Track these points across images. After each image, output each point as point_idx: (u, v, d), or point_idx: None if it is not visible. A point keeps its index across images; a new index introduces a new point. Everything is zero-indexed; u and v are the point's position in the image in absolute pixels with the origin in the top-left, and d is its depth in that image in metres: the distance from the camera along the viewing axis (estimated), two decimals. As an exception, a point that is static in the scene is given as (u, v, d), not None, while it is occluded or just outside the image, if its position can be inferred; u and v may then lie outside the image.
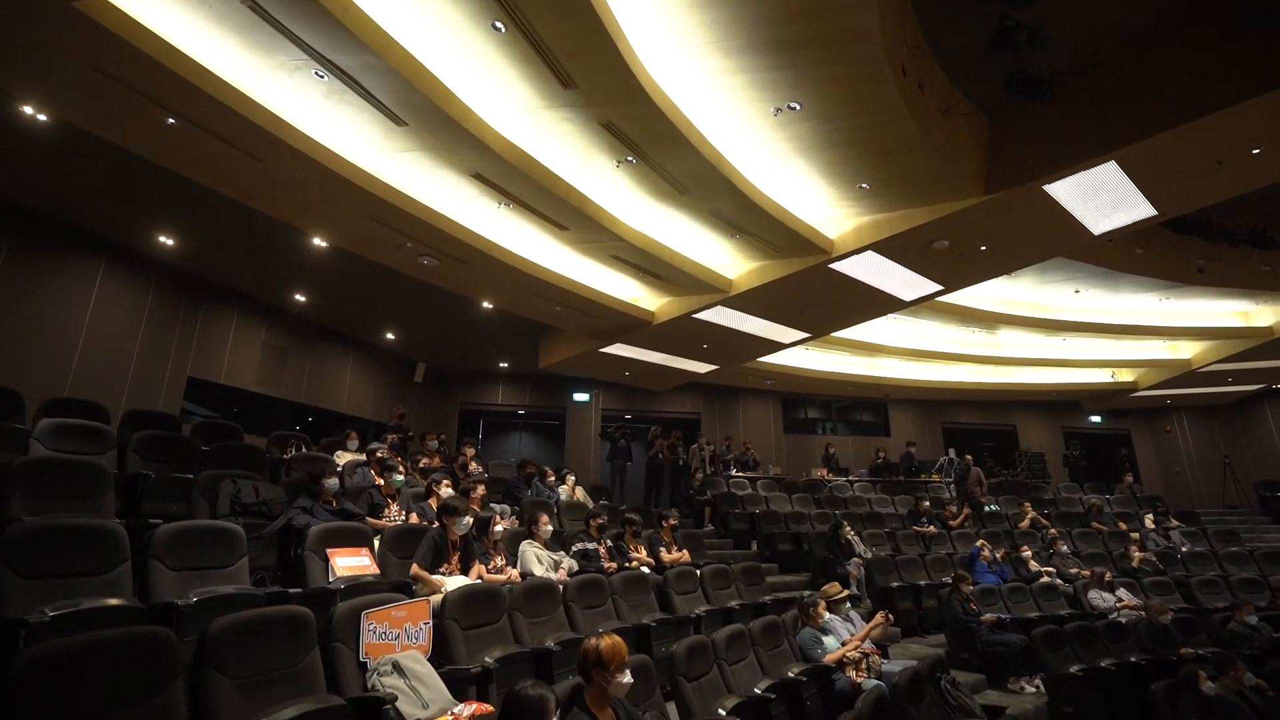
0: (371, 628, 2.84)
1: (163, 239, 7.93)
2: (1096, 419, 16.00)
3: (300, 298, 9.86)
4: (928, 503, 9.92)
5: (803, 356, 12.07)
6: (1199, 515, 11.83)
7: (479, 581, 4.03)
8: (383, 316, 10.84)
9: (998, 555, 8.06)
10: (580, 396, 13.87)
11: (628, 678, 2.55)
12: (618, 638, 2.61)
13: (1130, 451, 15.39)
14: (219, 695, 2.20)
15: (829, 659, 4.52)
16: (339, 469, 5.55)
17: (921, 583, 7.76)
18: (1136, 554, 8.98)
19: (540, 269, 7.35)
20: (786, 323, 8.89)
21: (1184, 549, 9.57)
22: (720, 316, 8.50)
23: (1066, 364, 12.74)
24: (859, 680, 4.51)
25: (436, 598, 3.51)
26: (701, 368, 11.15)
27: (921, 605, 7.54)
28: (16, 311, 6.98)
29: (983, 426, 15.52)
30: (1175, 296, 10.18)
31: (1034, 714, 5.67)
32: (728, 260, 7.70)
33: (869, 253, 6.82)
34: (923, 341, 11.70)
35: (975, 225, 6.37)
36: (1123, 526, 10.31)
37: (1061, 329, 11.06)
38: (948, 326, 11.29)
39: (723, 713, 3.49)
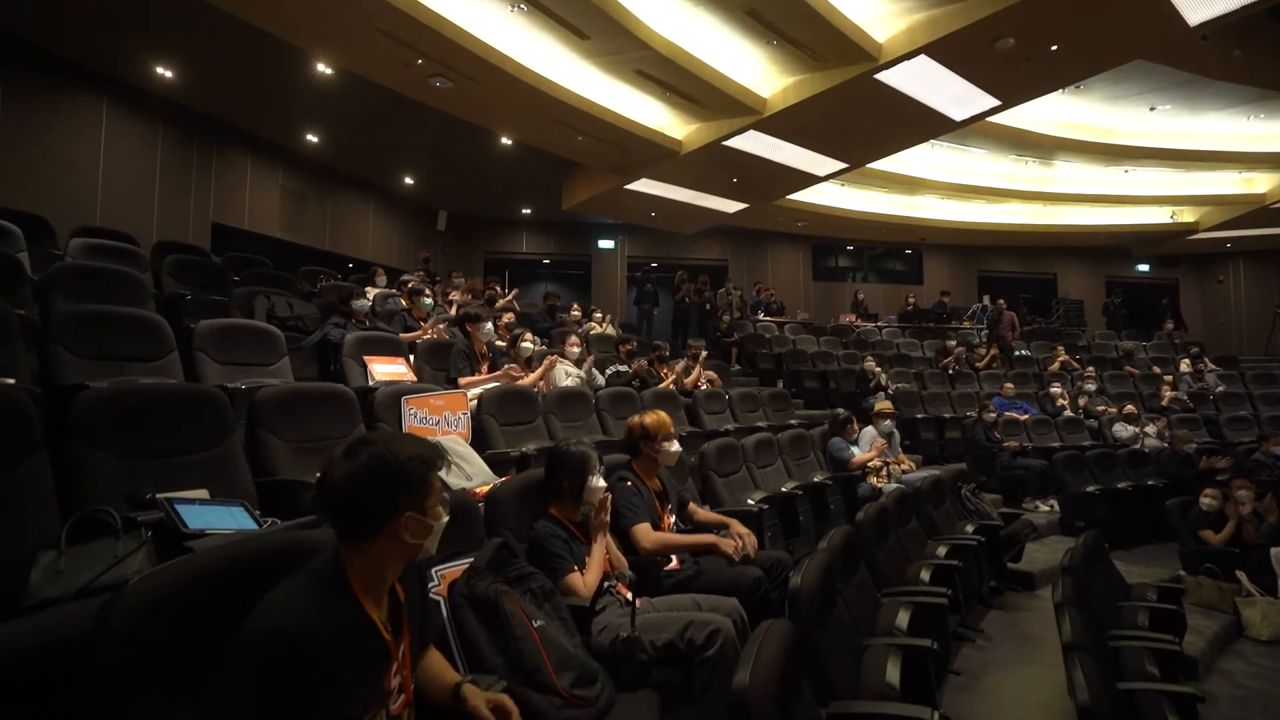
0: (412, 412, 2.93)
1: (160, 70, 7.53)
2: (1144, 267, 15.31)
3: (313, 138, 9.49)
4: (954, 343, 9.84)
5: (836, 194, 11.45)
6: (1239, 361, 11.57)
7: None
8: (400, 158, 10.45)
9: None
10: (605, 243, 13.62)
11: (675, 446, 2.62)
12: (662, 412, 2.66)
13: (1174, 301, 14.85)
14: (274, 452, 2.31)
15: (855, 460, 4.66)
16: (369, 299, 5.60)
17: (946, 415, 7.89)
18: (1167, 393, 8.93)
19: (560, 89, 6.83)
20: (823, 150, 8.30)
21: (1218, 389, 9.47)
22: (752, 143, 7.96)
23: (1122, 201, 11.91)
24: (880, 485, 4.69)
25: (473, 401, 3.61)
26: (730, 206, 10.70)
27: (944, 436, 7.72)
28: (32, 147, 6.85)
29: (1021, 275, 14.99)
30: (1266, 115, 9.14)
31: (1046, 527, 5.93)
32: (762, 75, 7.04)
33: (921, 58, 6.12)
34: (967, 175, 10.91)
35: (1049, 16, 5.59)
36: (1156, 370, 10.18)
37: (1126, 157, 10.12)
38: (997, 157, 10.47)
39: (751, 502, 3.66)
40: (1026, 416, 7.56)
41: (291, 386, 2.47)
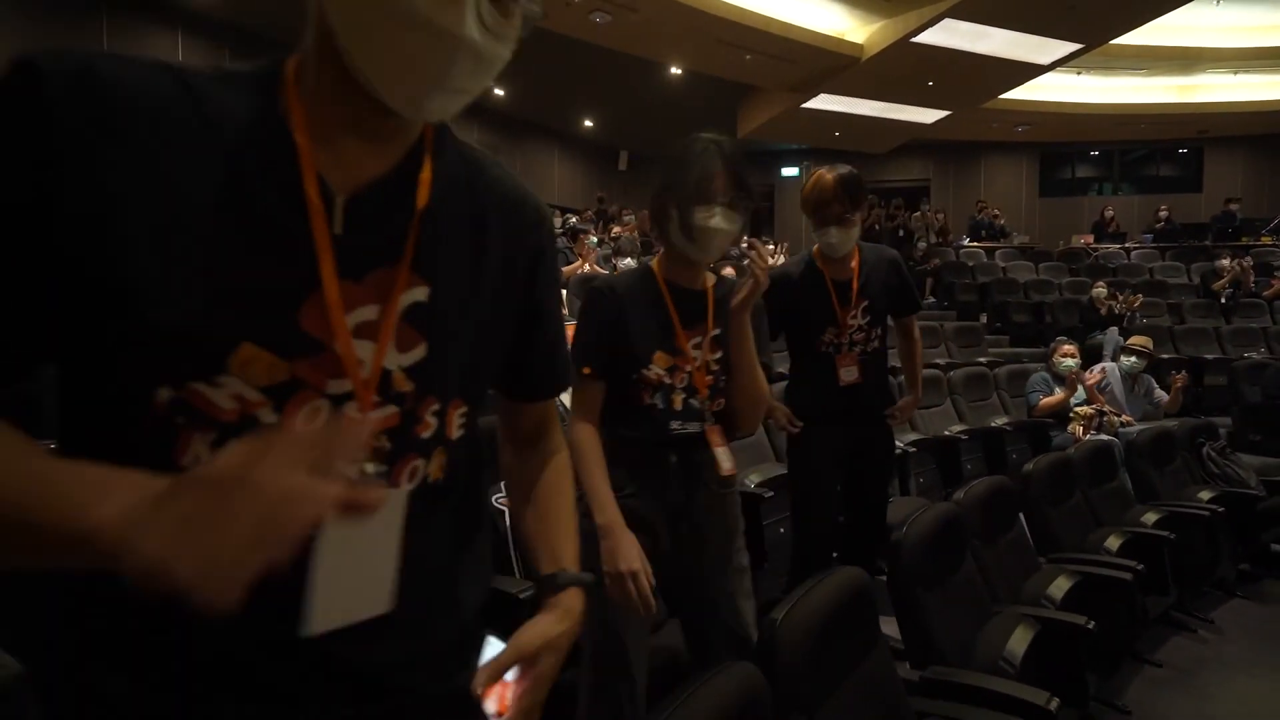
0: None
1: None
2: None
3: (499, 91, 10.18)
4: (1227, 260, 7.60)
5: (1070, 86, 9.30)
6: None
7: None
8: (578, 101, 10.80)
9: None
10: (789, 171, 12.84)
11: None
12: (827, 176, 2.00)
13: None
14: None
15: (1046, 401, 3.91)
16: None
17: (1209, 356, 6.29)
18: None
19: (719, 4, 6.43)
20: (1044, 30, 6.70)
21: None
22: (948, 35, 6.75)
23: None
24: (1085, 439, 3.90)
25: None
26: (928, 116, 9.33)
27: (1202, 382, 6.17)
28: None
29: (1366, 168, 11.08)
30: None
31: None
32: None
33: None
34: (1277, 35, 8.11)
35: None
36: None
37: None
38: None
39: (900, 445, 3.27)
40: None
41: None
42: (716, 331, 1.33)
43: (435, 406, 0.54)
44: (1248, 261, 7.60)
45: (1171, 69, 8.98)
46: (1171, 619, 2.94)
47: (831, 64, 7.48)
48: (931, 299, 8.64)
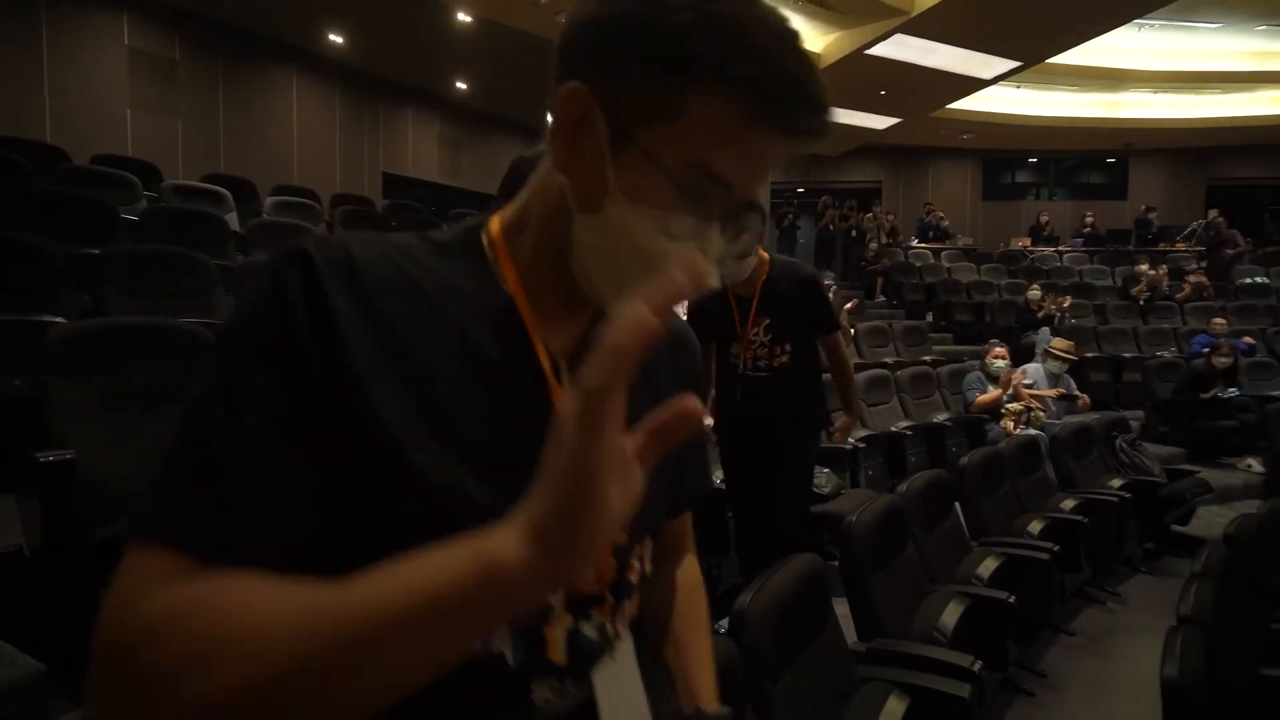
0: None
1: (333, 37, 8.43)
2: None
3: (462, 85, 10.12)
4: (1145, 265, 8.29)
5: (1011, 98, 9.87)
6: None
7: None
8: (543, 98, 10.79)
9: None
10: (746, 171, 13.13)
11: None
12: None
13: None
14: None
15: (981, 399, 4.28)
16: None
17: (1127, 355, 6.86)
18: None
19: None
20: (987, 48, 7.16)
21: None
22: (900, 49, 7.11)
23: None
24: (1015, 432, 4.29)
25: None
26: (881, 122, 9.74)
27: (1121, 378, 6.74)
28: (246, 119, 8.14)
29: (1268, 181, 12.07)
30: None
31: (1240, 489, 5.07)
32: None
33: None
34: (1192, 59, 8.83)
35: None
36: None
37: None
38: (1236, 32, 8.34)
39: (851, 441, 3.54)
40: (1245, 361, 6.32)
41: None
42: None
43: (639, 551, 0.57)
44: (1162, 269, 8.27)
45: (1100, 86, 9.64)
46: (1084, 593, 3.29)
47: (789, 71, 7.74)
48: (882, 298, 9.10)
